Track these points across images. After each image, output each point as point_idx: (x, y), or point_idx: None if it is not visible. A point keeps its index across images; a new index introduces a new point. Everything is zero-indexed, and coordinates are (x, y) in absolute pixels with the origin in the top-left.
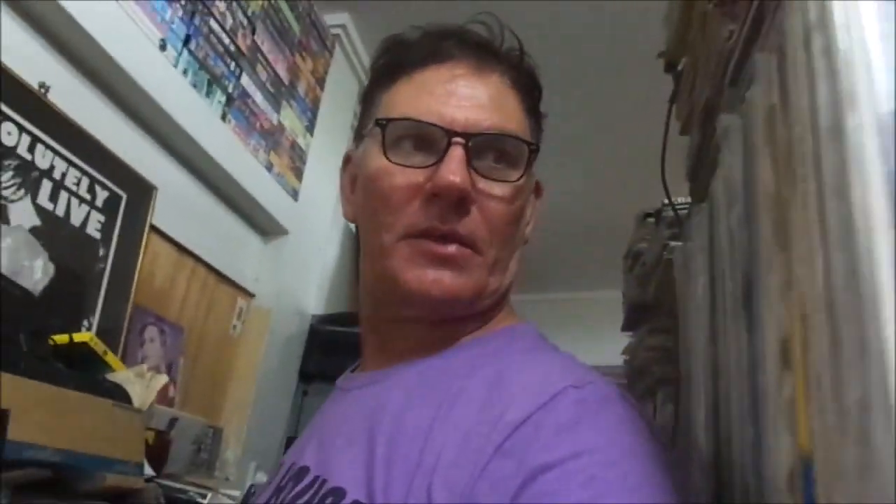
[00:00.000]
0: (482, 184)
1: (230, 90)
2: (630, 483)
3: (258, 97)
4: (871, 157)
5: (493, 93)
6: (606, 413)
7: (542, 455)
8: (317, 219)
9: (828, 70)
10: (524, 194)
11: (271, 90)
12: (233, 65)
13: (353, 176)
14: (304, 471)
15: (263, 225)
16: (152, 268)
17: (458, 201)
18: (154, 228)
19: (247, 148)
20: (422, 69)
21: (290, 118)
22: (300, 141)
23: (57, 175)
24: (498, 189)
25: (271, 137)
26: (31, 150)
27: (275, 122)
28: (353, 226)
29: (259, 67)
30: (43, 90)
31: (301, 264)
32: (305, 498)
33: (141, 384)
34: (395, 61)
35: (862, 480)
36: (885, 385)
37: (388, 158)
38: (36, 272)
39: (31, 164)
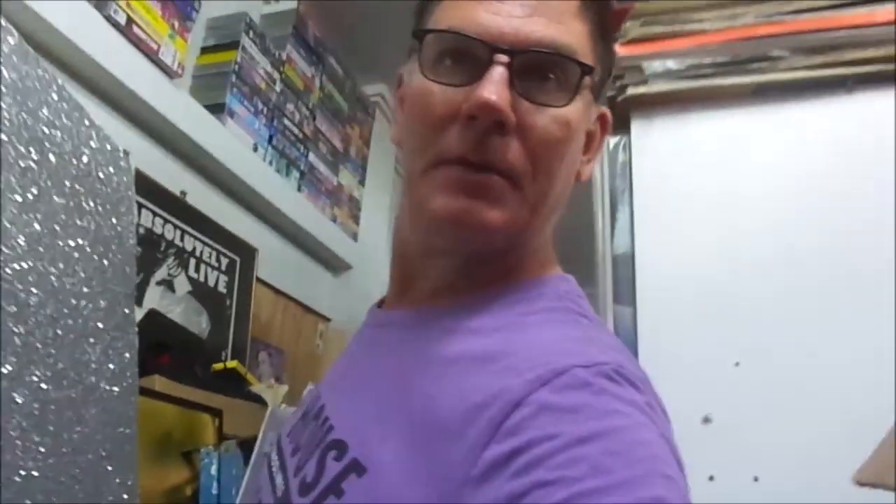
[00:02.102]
0: (527, 108)
1: (301, 167)
2: (637, 472)
3: (321, 168)
4: None
5: (553, 7)
6: (613, 396)
7: (545, 440)
8: (374, 253)
9: None
10: (578, 125)
11: (331, 159)
12: (302, 148)
13: (402, 97)
14: (320, 411)
15: (333, 263)
16: (258, 308)
17: (496, 125)
18: (258, 279)
19: (316, 208)
20: None
21: (346, 177)
22: (355, 193)
23: (197, 253)
24: (546, 116)
25: (333, 196)
26: (181, 239)
27: (335, 183)
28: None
29: (321, 144)
30: (183, 195)
31: (364, 291)
32: (315, 442)
33: (271, 393)
34: None
35: None
36: None
37: (425, 76)
38: (203, 323)
39: (182, 249)
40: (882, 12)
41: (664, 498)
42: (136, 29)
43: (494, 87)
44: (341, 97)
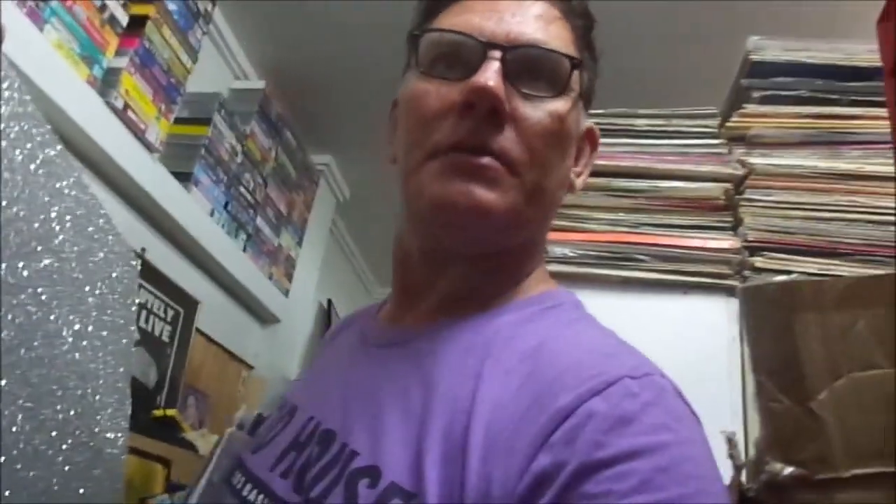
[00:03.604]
0: (520, 102)
1: (249, 230)
2: (687, 489)
3: (266, 230)
4: None
5: (540, 14)
6: (664, 409)
7: (593, 452)
8: (301, 309)
9: None
10: (570, 122)
11: (275, 222)
12: (252, 212)
13: (396, 116)
14: (329, 436)
15: (263, 315)
16: (192, 354)
17: (492, 112)
18: (197, 330)
19: (257, 266)
20: None
21: (286, 239)
22: (292, 253)
23: (148, 305)
24: (538, 109)
25: (273, 255)
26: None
27: (276, 244)
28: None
29: (268, 209)
30: (143, 251)
31: (288, 342)
32: (335, 472)
33: (203, 441)
34: None
35: None
36: None
37: (421, 74)
38: (151, 374)
39: (140, 305)
40: (714, 241)
41: None
42: (129, 112)
43: (490, 74)
44: (292, 166)
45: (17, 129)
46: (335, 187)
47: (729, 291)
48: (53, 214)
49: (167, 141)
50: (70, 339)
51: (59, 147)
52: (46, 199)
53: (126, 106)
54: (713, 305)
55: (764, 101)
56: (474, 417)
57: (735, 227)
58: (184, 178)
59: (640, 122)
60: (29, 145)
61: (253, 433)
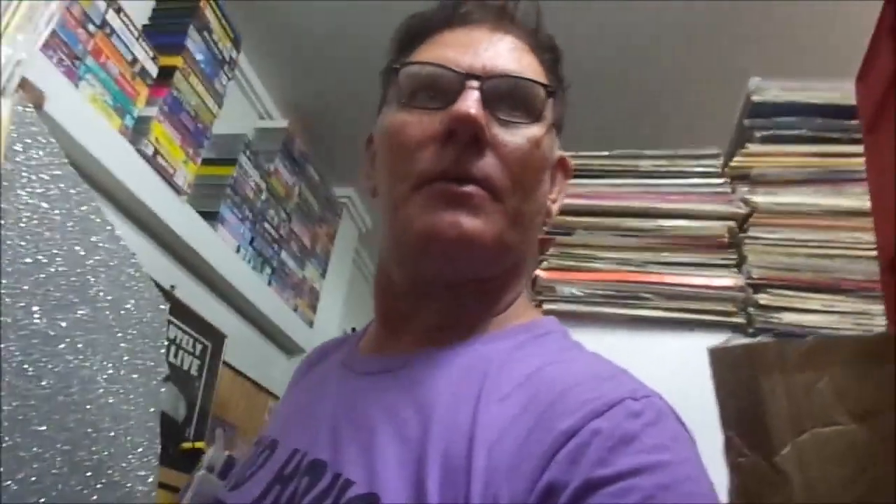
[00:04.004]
0: (499, 130)
1: (274, 265)
2: None
3: (290, 263)
4: None
5: (512, 48)
6: (663, 429)
7: (597, 469)
8: (326, 339)
9: None
10: (546, 148)
11: (299, 255)
12: (276, 247)
13: (374, 153)
14: (319, 466)
15: (288, 346)
16: (220, 386)
17: (474, 140)
18: (224, 363)
19: (282, 299)
20: (440, 32)
21: (310, 271)
22: (316, 285)
23: (178, 341)
24: (516, 136)
25: (297, 288)
26: (167, 328)
27: (300, 277)
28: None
29: (292, 243)
30: (172, 289)
31: None
32: (328, 502)
33: None
34: (413, 29)
35: None
36: None
37: (401, 106)
38: (181, 409)
39: (168, 339)
40: (719, 280)
41: None
42: (159, 158)
43: (470, 103)
44: (315, 201)
45: (55, 190)
46: (357, 218)
47: (734, 328)
48: (88, 267)
49: (195, 182)
50: (104, 384)
51: (93, 203)
52: (82, 253)
53: (156, 152)
54: (718, 342)
55: (766, 140)
56: (476, 441)
57: (739, 264)
58: (211, 217)
59: (645, 163)
60: (67, 205)
61: (224, 476)
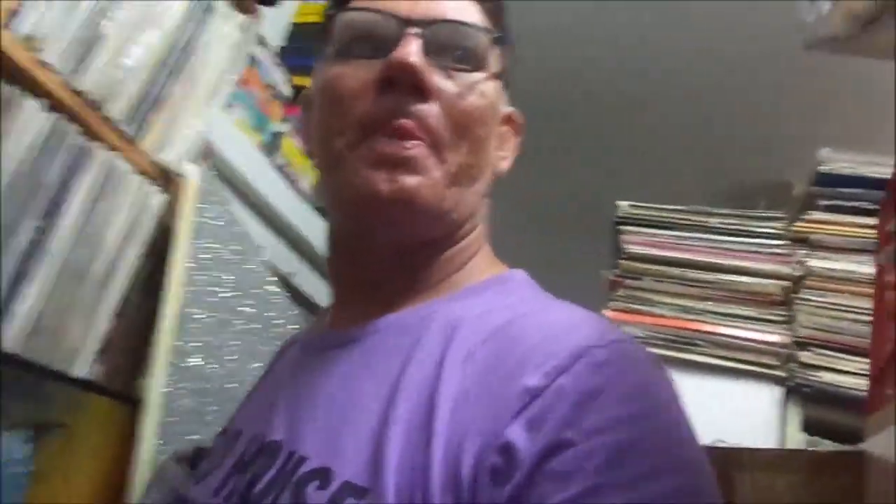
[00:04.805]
0: (441, 78)
1: None
2: (658, 462)
3: None
4: None
5: None
6: (632, 377)
7: (562, 429)
8: None
9: None
10: (492, 99)
11: None
12: None
13: (308, 115)
14: (274, 447)
15: None
16: None
17: (413, 89)
18: None
19: None
20: None
21: None
22: None
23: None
24: (459, 84)
25: None
26: None
27: None
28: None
29: None
30: (290, 275)
31: None
32: (282, 481)
33: None
34: None
35: None
36: None
37: (337, 57)
38: None
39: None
40: (766, 335)
41: (684, 487)
42: (288, 168)
43: (410, 49)
44: None
45: (234, 246)
46: None
47: (775, 380)
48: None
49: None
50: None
51: (258, 258)
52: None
53: (288, 163)
54: (759, 392)
55: (828, 209)
56: (438, 403)
57: (789, 321)
58: (323, 211)
59: (714, 220)
60: (239, 257)
61: (195, 466)
